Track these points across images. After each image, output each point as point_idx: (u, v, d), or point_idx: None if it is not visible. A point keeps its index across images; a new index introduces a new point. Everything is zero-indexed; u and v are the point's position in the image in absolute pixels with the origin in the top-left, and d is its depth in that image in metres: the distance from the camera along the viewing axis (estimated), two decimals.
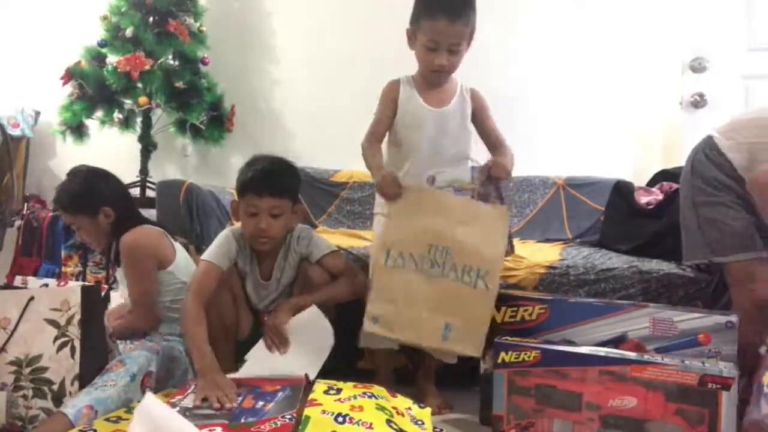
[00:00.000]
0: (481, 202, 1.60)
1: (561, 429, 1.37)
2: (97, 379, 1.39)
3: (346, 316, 1.71)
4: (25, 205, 3.01)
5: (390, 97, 1.75)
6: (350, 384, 1.38)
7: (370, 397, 1.32)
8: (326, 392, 1.32)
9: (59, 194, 1.75)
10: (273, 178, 1.62)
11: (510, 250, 1.67)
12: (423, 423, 1.32)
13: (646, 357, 1.33)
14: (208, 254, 1.63)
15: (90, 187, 1.74)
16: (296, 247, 1.70)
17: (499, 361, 1.43)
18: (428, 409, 1.40)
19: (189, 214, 2.19)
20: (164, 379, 1.57)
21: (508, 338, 1.47)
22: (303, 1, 3.14)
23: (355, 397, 1.30)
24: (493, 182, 1.61)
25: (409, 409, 1.36)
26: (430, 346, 1.59)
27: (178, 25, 2.89)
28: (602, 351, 1.37)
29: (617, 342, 1.44)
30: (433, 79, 1.72)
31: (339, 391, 1.33)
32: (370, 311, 1.54)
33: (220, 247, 1.64)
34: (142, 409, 1.16)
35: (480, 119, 1.78)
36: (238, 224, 1.72)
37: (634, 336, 1.43)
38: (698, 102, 2.56)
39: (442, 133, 1.72)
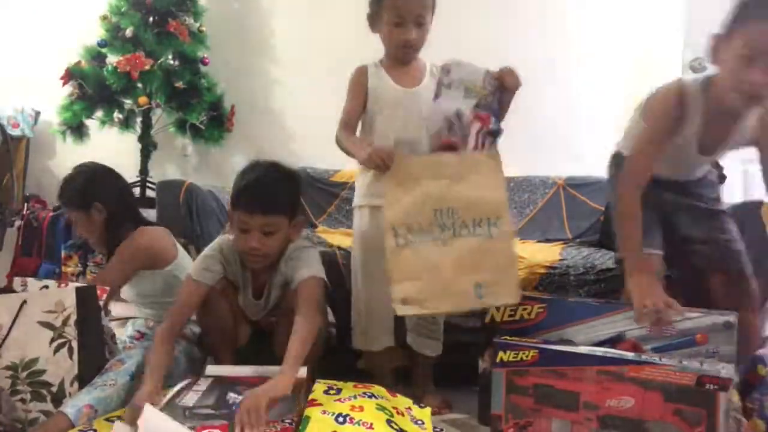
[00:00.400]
0: (471, 152, 1.53)
1: (559, 428, 1.37)
2: (97, 378, 1.39)
3: (343, 315, 1.71)
4: (25, 205, 3.02)
5: (359, 83, 1.70)
6: (350, 384, 1.38)
7: (370, 397, 1.31)
8: (326, 392, 1.32)
9: (60, 188, 1.81)
10: (265, 195, 1.48)
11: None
12: (423, 423, 1.32)
13: (643, 357, 1.33)
14: (194, 270, 1.55)
15: (86, 184, 1.79)
16: (283, 269, 1.58)
17: (498, 360, 1.43)
18: (428, 409, 1.40)
19: (189, 214, 2.19)
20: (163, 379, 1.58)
21: (507, 338, 1.47)
22: (303, 1, 3.15)
23: (355, 397, 1.30)
24: (497, 94, 1.56)
25: (409, 409, 1.36)
26: (468, 308, 1.56)
27: (178, 25, 2.90)
28: (600, 351, 1.37)
29: (615, 341, 1.44)
30: (402, 56, 1.69)
31: (339, 391, 1.33)
32: (396, 295, 1.47)
33: (204, 261, 1.56)
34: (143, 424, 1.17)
35: None
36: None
37: (632, 336, 1.43)
38: None
39: (416, 114, 1.65)
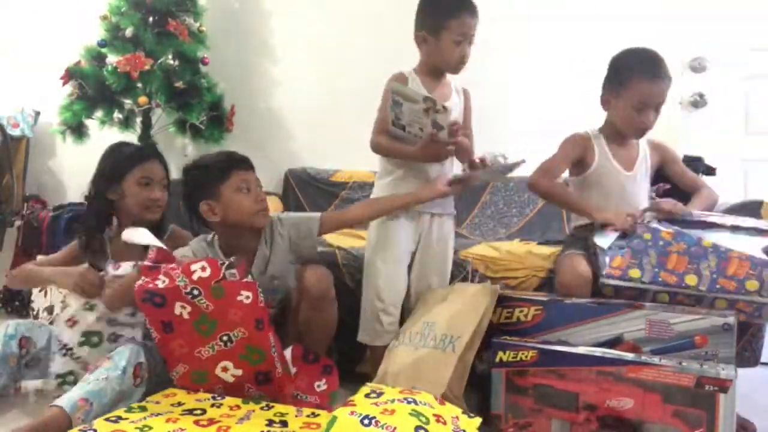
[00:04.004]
0: (470, 284, 1.78)
1: (559, 429, 1.37)
2: (88, 375, 1.41)
3: (342, 315, 1.71)
4: (25, 205, 3.01)
5: None
6: (397, 389, 1.36)
7: (409, 402, 1.27)
8: (367, 395, 1.30)
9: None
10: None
11: None
12: None
13: (643, 358, 1.33)
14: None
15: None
16: (281, 231, 1.72)
17: (497, 360, 1.43)
18: (477, 420, 1.34)
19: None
20: (162, 374, 1.57)
21: (507, 338, 1.47)
22: (303, 1, 3.15)
23: (392, 401, 1.26)
24: None
25: (456, 418, 1.31)
26: None
27: (177, 24, 2.89)
28: (599, 351, 1.37)
29: (613, 344, 1.43)
30: (453, 71, 1.78)
31: (380, 394, 1.30)
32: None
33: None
34: None
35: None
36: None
37: (630, 338, 1.42)
38: (698, 102, 2.57)
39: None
